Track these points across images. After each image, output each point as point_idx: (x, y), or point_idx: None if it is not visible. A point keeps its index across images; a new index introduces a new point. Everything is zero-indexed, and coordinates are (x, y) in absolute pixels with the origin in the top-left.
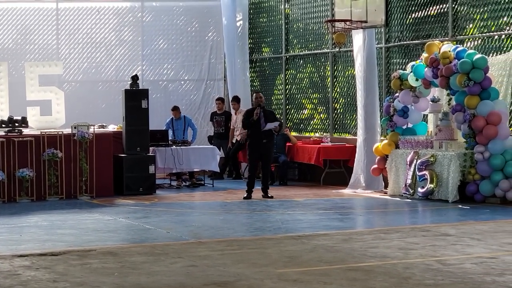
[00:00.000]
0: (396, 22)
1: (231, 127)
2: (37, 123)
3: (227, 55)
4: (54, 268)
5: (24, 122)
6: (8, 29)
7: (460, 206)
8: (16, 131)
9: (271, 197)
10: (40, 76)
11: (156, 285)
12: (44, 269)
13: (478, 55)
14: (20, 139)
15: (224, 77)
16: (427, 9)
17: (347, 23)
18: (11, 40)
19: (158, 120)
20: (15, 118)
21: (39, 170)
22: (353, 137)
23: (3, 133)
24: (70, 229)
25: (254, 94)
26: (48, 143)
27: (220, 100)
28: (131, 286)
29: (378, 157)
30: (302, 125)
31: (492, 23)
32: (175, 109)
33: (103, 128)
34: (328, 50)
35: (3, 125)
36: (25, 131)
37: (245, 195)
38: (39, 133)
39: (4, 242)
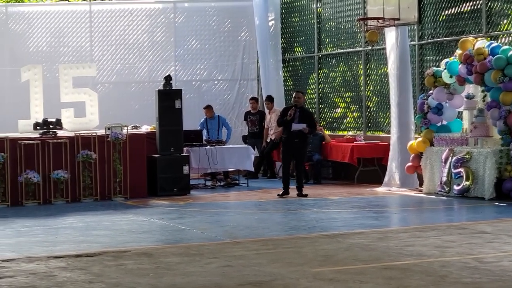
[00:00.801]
0: (429, 19)
1: (265, 127)
2: (71, 125)
3: (260, 55)
4: (90, 269)
5: (58, 124)
6: (42, 32)
7: (496, 203)
8: (51, 133)
9: (306, 195)
10: (74, 78)
11: (191, 285)
12: (79, 270)
13: None
14: (55, 141)
15: (258, 76)
16: (461, 5)
17: (380, 21)
18: (45, 43)
19: (191, 120)
20: (49, 120)
21: (74, 172)
22: (387, 135)
23: (38, 135)
24: (105, 230)
25: (294, 93)
26: (82, 144)
27: (254, 99)
28: (166, 286)
29: (413, 154)
30: (335, 123)
31: None
32: (208, 107)
33: (137, 129)
34: (361, 49)
35: (38, 127)
36: (60, 133)
37: (280, 193)
38: (73, 134)
39: (40, 243)
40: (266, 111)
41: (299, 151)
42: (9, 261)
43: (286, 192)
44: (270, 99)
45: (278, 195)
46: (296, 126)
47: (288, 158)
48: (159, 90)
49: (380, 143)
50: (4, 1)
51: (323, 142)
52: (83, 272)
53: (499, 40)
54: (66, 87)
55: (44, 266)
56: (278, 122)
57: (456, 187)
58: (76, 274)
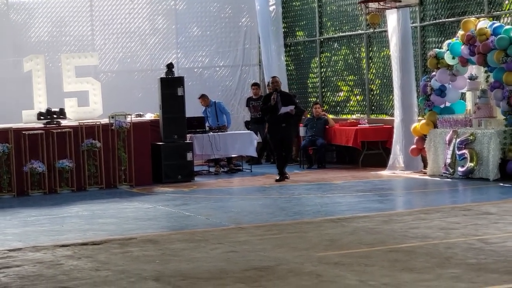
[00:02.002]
0: (430, 0)
1: None
2: (75, 114)
3: (262, 40)
4: (96, 257)
5: (62, 113)
6: (43, 22)
7: (501, 184)
8: (55, 122)
9: (287, 177)
10: (76, 68)
11: (196, 271)
12: (86, 258)
13: None
14: (59, 130)
15: (259, 62)
16: None
17: (381, 3)
18: (47, 33)
19: (194, 107)
20: (53, 110)
21: (79, 161)
22: (391, 118)
23: (42, 125)
24: (111, 218)
25: (271, 79)
26: (87, 133)
27: (256, 85)
28: (172, 273)
29: (417, 137)
30: (338, 107)
31: None
32: (202, 97)
33: (140, 117)
34: (363, 32)
35: (42, 117)
36: (64, 122)
37: (278, 178)
38: (77, 124)
39: (46, 232)
40: None
41: (288, 135)
42: (16, 250)
43: (282, 178)
44: None
45: (276, 180)
46: (284, 109)
47: (278, 144)
48: (161, 78)
49: (384, 126)
50: None
51: (327, 126)
52: (90, 260)
53: (502, 20)
54: (69, 77)
55: (51, 255)
56: (262, 110)
57: (460, 169)
58: (83, 262)
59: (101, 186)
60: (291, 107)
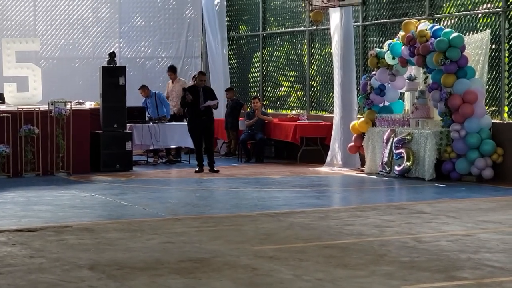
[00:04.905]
0: (373, 1)
1: (166, 96)
2: (14, 100)
3: (208, 32)
4: (31, 244)
5: (1, 98)
6: None
7: (436, 184)
8: None
9: (217, 171)
10: (17, 53)
11: (132, 261)
12: (20, 245)
13: (455, 34)
14: None
15: (201, 54)
16: None
17: (324, 1)
18: None
19: (135, 97)
20: None
21: (16, 147)
22: (330, 114)
23: None
24: (47, 205)
25: (198, 75)
26: (25, 119)
27: (172, 70)
28: (107, 262)
29: (355, 135)
30: (278, 102)
31: (469, 1)
32: (142, 87)
33: (80, 104)
34: (305, 28)
35: None
36: (2, 107)
37: (197, 169)
38: (16, 109)
39: None
40: (170, 81)
41: (207, 128)
42: None
43: (201, 170)
44: (173, 69)
45: (195, 171)
46: (208, 103)
47: (198, 136)
48: (103, 67)
49: (323, 123)
50: None
51: (266, 121)
52: (24, 247)
53: (442, 23)
54: (9, 61)
55: None
56: (181, 104)
57: (397, 168)
58: (17, 248)
59: (38, 172)
60: (214, 102)
